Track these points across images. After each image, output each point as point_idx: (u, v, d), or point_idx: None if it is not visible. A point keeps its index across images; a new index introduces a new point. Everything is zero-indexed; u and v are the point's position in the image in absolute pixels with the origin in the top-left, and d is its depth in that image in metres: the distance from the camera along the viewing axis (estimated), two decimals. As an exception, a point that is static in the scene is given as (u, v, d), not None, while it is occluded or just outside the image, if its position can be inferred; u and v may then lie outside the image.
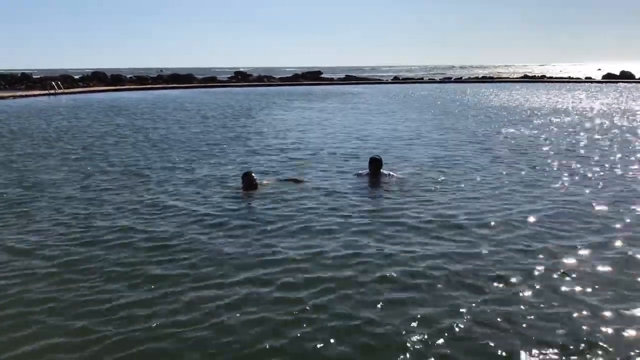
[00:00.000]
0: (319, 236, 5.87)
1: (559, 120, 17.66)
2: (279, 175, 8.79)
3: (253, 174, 8.08)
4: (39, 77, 51.18)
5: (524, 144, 12.30)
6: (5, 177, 9.15)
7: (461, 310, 4.11)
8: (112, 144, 13.30)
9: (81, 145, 13.08)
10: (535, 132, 14.58)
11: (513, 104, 25.87)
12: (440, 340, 3.70)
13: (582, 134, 14.23)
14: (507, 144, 12.35)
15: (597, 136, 13.68)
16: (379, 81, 59.44)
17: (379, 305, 4.21)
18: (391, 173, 8.69)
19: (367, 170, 8.70)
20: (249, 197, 7.58)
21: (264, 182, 8.13)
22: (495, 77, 67.65)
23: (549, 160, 10.13)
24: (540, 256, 5.22)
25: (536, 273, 4.81)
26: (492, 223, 6.23)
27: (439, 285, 4.56)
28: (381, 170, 8.64)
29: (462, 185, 8.17)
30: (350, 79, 60.42)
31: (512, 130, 15.05)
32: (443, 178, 8.71)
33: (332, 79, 59.74)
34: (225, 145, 12.52)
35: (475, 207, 6.90)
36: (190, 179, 8.92)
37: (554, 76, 64.39)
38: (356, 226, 6.22)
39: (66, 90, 40.54)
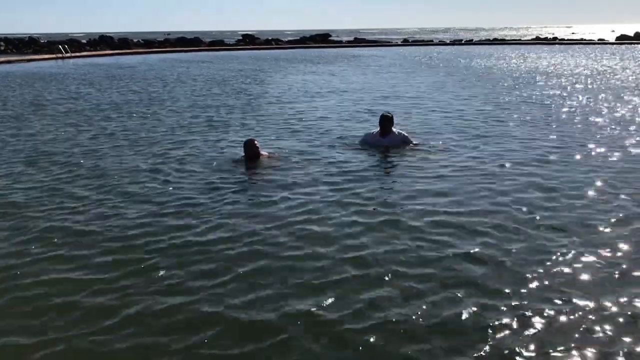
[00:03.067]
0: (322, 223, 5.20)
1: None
2: (285, 149, 8.15)
3: (256, 142, 7.46)
4: (45, 41, 50.77)
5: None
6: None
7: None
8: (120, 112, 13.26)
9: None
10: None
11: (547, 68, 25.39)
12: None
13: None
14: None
15: None
16: (388, 43, 58.59)
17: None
18: (401, 132, 8.23)
19: (378, 130, 8.20)
20: (249, 170, 7.09)
21: (269, 153, 7.53)
22: (507, 39, 66.44)
23: None
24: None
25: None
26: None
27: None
28: (392, 129, 8.14)
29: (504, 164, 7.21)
30: (359, 42, 59.56)
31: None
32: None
33: (341, 42, 58.90)
34: (228, 114, 12.35)
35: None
36: (189, 150, 8.47)
37: (566, 38, 63.16)
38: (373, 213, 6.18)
39: (74, 55, 40.31)
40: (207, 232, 4.92)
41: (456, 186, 6.17)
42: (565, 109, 11.81)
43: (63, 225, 5.16)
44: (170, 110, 12.67)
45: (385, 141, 8.05)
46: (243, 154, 7.43)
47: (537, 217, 5.13)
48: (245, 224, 5.09)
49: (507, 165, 7.06)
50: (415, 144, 8.12)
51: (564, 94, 14.48)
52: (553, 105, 12.40)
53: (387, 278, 3.98)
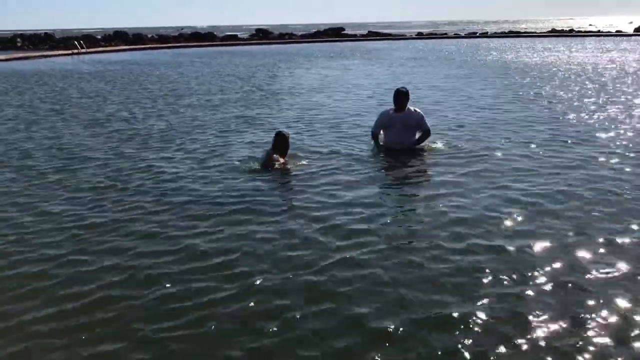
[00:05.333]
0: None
1: None
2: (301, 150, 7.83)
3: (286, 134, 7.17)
4: (61, 37, 51.13)
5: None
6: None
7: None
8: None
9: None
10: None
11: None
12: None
13: None
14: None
15: None
16: (402, 37, 58.20)
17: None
18: (417, 110, 7.63)
19: (393, 108, 7.62)
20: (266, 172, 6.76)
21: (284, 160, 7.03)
22: (522, 31, 65.66)
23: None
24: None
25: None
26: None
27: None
28: (408, 107, 7.54)
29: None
30: (373, 35, 59.24)
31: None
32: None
33: (355, 35, 58.61)
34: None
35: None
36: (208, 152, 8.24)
37: (583, 30, 62.29)
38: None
39: (89, 50, 40.59)
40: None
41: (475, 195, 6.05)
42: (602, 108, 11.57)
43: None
44: (190, 107, 12.65)
45: (399, 117, 7.48)
46: (266, 151, 7.12)
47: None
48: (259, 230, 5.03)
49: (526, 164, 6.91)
50: (427, 132, 7.60)
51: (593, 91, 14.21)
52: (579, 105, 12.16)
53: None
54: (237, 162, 7.29)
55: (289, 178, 6.64)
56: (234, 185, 6.29)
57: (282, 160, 6.94)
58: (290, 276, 4.04)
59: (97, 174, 6.90)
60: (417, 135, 7.64)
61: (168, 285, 3.94)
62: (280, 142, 7.04)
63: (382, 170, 6.97)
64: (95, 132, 9.81)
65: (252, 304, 3.66)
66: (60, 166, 7.37)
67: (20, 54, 35.96)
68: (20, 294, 3.89)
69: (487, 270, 4.02)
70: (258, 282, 3.96)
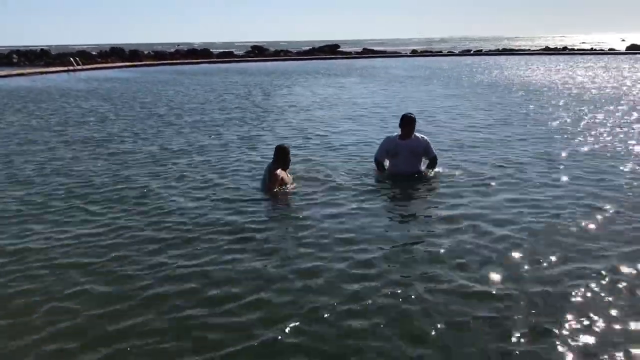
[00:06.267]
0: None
1: None
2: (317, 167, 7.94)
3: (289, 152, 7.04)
4: (57, 53, 51.18)
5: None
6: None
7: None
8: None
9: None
10: None
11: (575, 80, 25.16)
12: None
13: None
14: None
15: None
16: (397, 54, 58.62)
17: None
18: (424, 137, 7.44)
19: (398, 134, 7.42)
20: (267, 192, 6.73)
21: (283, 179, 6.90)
22: (515, 49, 66.30)
23: None
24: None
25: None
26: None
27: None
28: (415, 134, 7.36)
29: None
30: (368, 53, 59.62)
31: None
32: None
33: (350, 53, 58.97)
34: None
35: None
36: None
37: (576, 47, 62.96)
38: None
39: (85, 67, 40.61)
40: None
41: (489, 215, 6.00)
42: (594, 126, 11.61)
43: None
44: (189, 125, 12.60)
45: (406, 145, 7.25)
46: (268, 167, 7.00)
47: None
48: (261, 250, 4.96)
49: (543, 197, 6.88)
50: (434, 159, 7.42)
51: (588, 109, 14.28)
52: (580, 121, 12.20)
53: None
54: (238, 184, 7.22)
55: (290, 201, 6.56)
56: (237, 208, 6.20)
57: (284, 176, 6.89)
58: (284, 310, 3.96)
59: (93, 196, 6.80)
60: (423, 163, 7.47)
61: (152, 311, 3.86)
62: (282, 156, 6.95)
63: (385, 196, 6.79)
64: (93, 152, 9.69)
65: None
66: (56, 188, 7.25)
67: (16, 71, 35.90)
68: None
69: (504, 315, 3.93)
70: (250, 318, 3.88)
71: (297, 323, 3.74)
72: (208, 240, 5.28)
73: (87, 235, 5.49)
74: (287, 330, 3.66)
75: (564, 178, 7.24)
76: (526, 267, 4.56)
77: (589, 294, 4.07)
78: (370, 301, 4.01)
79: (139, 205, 6.45)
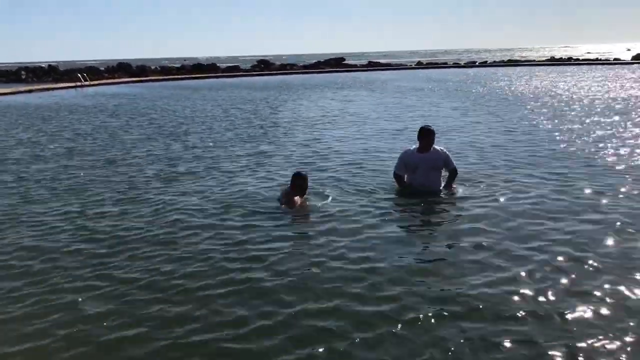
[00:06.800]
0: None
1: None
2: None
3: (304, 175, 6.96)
4: (65, 69, 51.63)
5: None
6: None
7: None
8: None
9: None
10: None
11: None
12: None
13: None
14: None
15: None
16: (402, 67, 58.78)
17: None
18: (443, 149, 7.28)
19: (416, 146, 7.23)
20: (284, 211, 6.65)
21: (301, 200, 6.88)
22: (521, 60, 66.34)
23: None
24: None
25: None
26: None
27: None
28: (434, 146, 7.19)
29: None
30: (373, 65, 59.81)
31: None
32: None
33: (355, 66, 59.18)
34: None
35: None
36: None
37: (581, 58, 62.93)
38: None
39: (92, 82, 40.88)
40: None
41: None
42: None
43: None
44: (199, 142, 12.58)
45: (426, 158, 7.09)
46: (285, 188, 7.01)
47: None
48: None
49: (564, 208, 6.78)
50: (454, 171, 7.25)
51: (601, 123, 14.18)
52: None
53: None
54: (248, 202, 7.12)
55: (305, 219, 6.46)
56: (248, 227, 6.10)
57: (301, 202, 6.78)
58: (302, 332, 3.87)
59: (105, 214, 6.75)
60: (443, 176, 7.31)
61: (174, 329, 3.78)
62: (299, 183, 6.86)
63: (406, 213, 6.61)
64: (103, 169, 9.64)
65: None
66: (71, 206, 7.21)
67: (24, 87, 36.16)
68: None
69: (536, 336, 3.82)
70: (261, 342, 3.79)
71: (310, 349, 3.65)
72: (220, 261, 5.20)
73: (99, 256, 5.43)
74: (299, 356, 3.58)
75: (598, 197, 6.97)
76: (557, 286, 4.43)
77: (623, 317, 3.96)
78: (389, 328, 3.91)
79: (146, 223, 6.40)
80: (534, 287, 4.43)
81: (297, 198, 6.72)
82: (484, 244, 5.41)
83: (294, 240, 5.70)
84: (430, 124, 7.57)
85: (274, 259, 5.16)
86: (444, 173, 7.35)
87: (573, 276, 4.61)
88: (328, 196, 7.23)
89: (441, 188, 7.24)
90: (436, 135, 7.27)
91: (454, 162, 7.35)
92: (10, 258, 5.48)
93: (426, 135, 7.11)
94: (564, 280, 4.53)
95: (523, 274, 4.69)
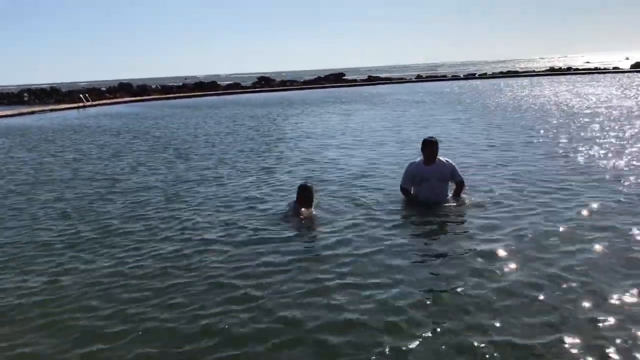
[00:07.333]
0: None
1: None
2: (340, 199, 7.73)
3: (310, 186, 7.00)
4: (67, 90, 51.91)
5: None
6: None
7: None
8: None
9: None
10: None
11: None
12: None
13: None
14: None
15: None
16: (402, 80, 58.97)
17: None
18: (449, 161, 7.21)
19: (422, 158, 7.19)
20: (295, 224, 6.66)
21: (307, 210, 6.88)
22: (520, 71, 66.58)
23: None
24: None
25: None
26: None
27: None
28: (439, 158, 7.14)
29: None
30: (373, 80, 60.08)
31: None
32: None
33: (355, 80, 59.47)
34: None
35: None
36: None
37: (580, 67, 63.13)
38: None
39: (94, 103, 41.06)
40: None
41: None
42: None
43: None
44: (204, 160, 12.55)
45: (431, 170, 7.01)
46: (292, 203, 6.99)
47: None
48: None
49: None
50: (461, 182, 7.17)
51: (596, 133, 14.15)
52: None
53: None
54: (257, 218, 7.08)
55: (312, 236, 6.36)
56: (254, 245, 6.04)
57: (308, 215, 6.74)
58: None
59: (112, 235, 6.70)
60: (450, 188, 7.23)
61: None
62: (305, 195, 6.83)
63: (413, 228, 6.50)
64: (108, 189, 9.60)
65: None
66: (74, 226, 7.16)
67: (27, 109, 36.30)
68: None
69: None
70: None
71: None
72: (226, 279, 5.14)
73: (107, 275, 5.39)
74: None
75: (605, 209, 6.86)
76: (577, 308, 4.25)
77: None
78: (400, 343, 3.83)
79: (153, 240, 6.35)
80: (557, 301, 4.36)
81: (303, 210, 6.67)
82: (496, 253, 5.34)
83: (300, 256, 5.61)
84: (432, 136, 7.50)
85: (280, 277, 5.07)
86: (452, 184, 7.29)
87: (594, 287, 4.54)
88: (334, 209, 7.19)
89: (448, 199, 7.17)
90: (446, 146, 7.21)
91: (461, 174, 7.28)
92: (13, 276, 5.43)
93: (428, 146, 7.06)
94: (585, 289, 4.47)
95: (543, 293, 4.61)
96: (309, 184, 7.07)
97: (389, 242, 5.87)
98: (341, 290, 4.71)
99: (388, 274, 5.02)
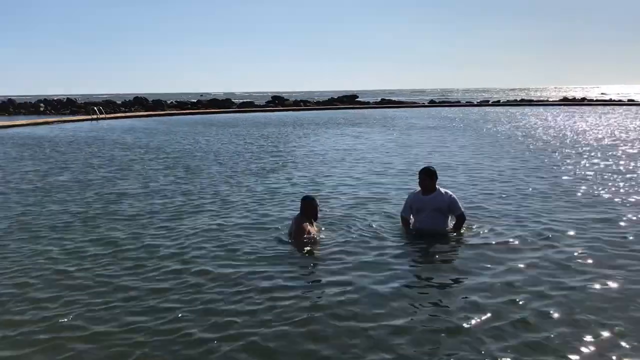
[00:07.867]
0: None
1: None
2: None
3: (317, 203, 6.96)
4: (83, 102, 52.67)
5: None
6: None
7: None
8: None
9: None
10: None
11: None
12: None
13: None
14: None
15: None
16: (415, 104, 59.09)
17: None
18: (447, 191, 7.04)
19: (420, 189, 7.08)
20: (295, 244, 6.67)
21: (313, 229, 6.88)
22: (534, 100, 66.55)
23: None
24: None
25: None
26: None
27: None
28: (439, 189, 6.99)
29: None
30: (386, 103, 60.24)
31: None
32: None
33: (368, 103, 59.66)
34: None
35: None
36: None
37: (595, 99, 62.97)
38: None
39: (108, 116, 41.56)
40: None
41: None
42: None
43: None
44: (215, 178, 12.58)
45: (428, 201, 6.89)
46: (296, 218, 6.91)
47: None
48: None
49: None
50: (461, 217, 6.99)
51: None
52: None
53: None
54: (262, 237, 7.08)
55: (311, 263, 6.29)
56: (260, 263, 6.02)
57: (311, 229, 6.72)
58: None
59: (121, 250, 6.69)
60: (450, 221, 7.07)
61: None
62: (308, 207, 6.82)
63: (410, 258, 6.43)
64: (118, 204, 9.64)
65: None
66: (85, 241, 7.17)
67: (42, 119, 36.81)
68: None
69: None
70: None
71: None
72: (233, 299, 5.11)
73: (117, 290, 5.38)
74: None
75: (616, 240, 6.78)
76: (582, 344, 4.18)
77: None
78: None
79: (156, 257, 6.34)
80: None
81: (306, 225, 6.68)
82: (497, 286, 5.26)
83: (295, 283, 5.54)
84: (431, 165, 7.36)
85: (284, 304, 5.00)
86: (453, 219, 7.12)
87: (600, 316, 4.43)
88: (338, 231, 7.27)
89: (447, 230, 7.03)
90: (447, 172, 7.15)
91: (462, 208, 7.08)
92: (15, 288, 5.42)
93: (423, 177, 6.94)
94: (594, 325, 4.36)
95: (541, 332, 4.50)
96: (312, 196, 7.10)
97: (388, 269, 5.82)
98: (333, 320, 4.64)
99: (382, 307, 4.95)
